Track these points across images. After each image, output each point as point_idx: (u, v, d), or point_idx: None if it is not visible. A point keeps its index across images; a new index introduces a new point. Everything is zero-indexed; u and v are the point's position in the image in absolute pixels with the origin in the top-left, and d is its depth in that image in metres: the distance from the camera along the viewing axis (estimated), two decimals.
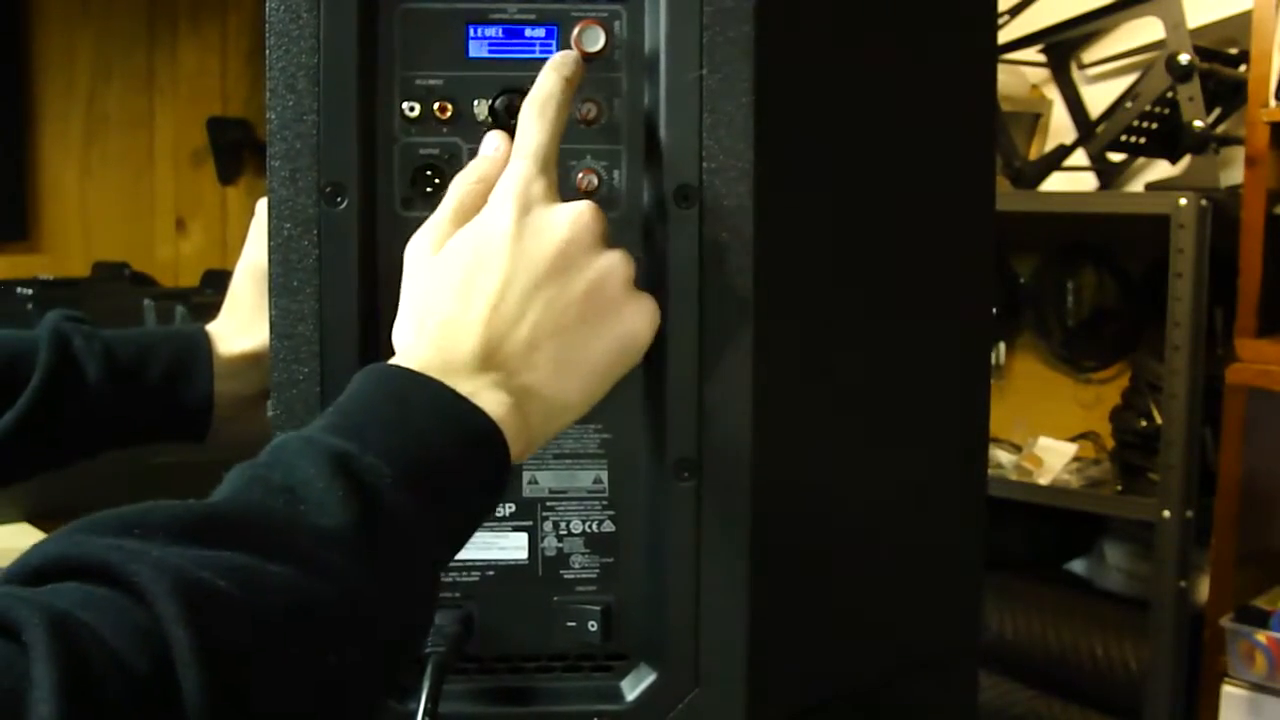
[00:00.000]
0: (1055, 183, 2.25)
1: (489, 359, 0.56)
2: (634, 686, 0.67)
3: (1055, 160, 2.23)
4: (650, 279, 0.65)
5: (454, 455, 0.54)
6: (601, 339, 0.59)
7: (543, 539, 0.66)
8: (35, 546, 0.44)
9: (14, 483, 0.75)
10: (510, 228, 0.57)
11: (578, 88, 0.62)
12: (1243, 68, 2.03)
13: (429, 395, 0.54)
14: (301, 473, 0.49)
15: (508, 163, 0.60)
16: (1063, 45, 2.29)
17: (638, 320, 0.60)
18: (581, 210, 0.59)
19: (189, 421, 0.77)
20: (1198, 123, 1.97)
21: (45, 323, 0.76)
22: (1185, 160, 2.08)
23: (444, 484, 0.53)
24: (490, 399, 0.55)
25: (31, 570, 0.42)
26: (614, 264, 0.59)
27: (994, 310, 2.11)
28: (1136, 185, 2.29)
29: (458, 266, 0.58)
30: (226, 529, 0.45)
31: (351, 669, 0.47)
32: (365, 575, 0.48)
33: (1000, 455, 2.25)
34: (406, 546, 0.50)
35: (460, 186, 0.61)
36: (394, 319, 0.60)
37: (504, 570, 0.66)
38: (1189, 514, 1.94)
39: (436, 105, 0.65)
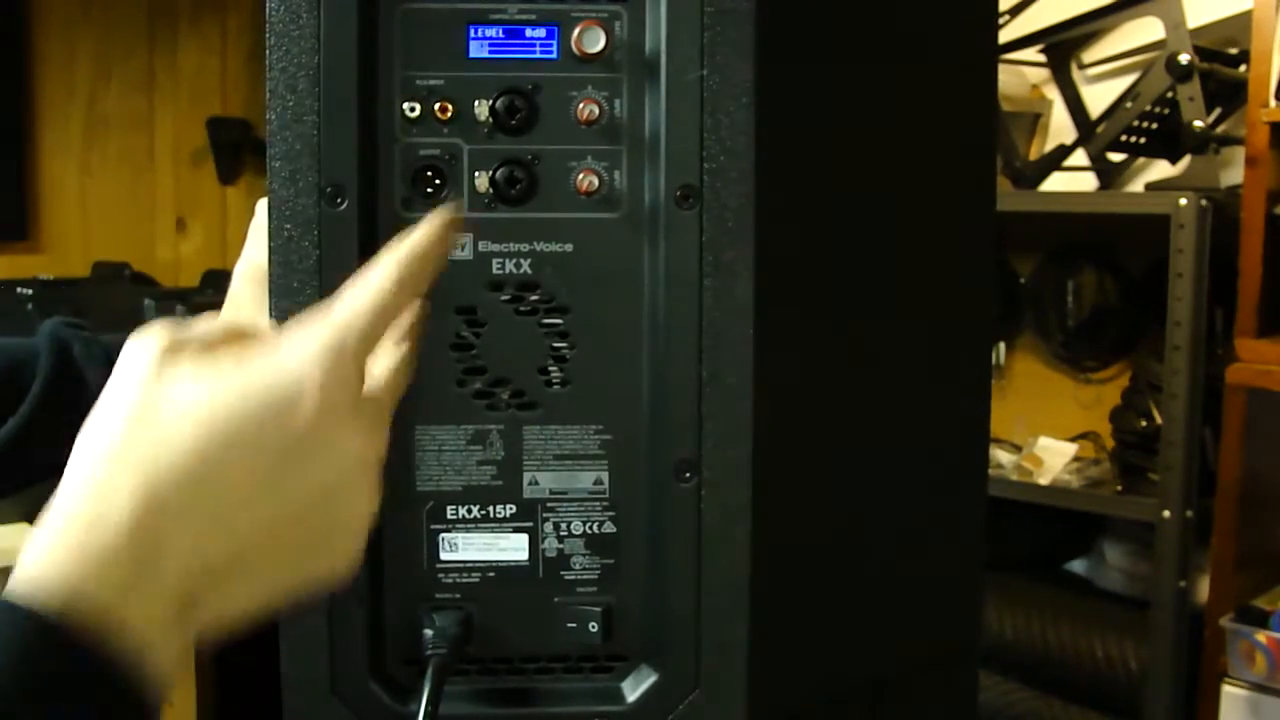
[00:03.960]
0: (1055, 183, 2.25)
1: (191, 608, 0.46)
2: (635, 687, 0.67)
3: (1055, 160, 2.24)
4: (651, 279, 0.65)
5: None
6: (304, 580, 0.51)
7: (543, 540, 0.66)
8: None
9: (17, 491, 0.75)
10: (293, 448, 0.47)
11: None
12: (1243, 68, 2.03)
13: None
14: None
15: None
16: (1063, 45, 2.29)
17: (344, 568, 0.52)
18: (374, 449, 0.52)
19: None
20: (1198, 123, 1.97)
21: (44, 329, 0.75)
22: (1185, 160, 2.08)
23: None
24: (167, 659, 0.45)
25: None
26: (366, 515, 0.51)
27: (994, 310, 2.11)
28: (1136, 185, 2.29)
29: (239, 466, 0.46)
30: None
31: None
32: None
33: (1000, 455, 2.25)
34: None
35: (218, 329, 0.50)
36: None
37: (504, 571, 0.66)
38: (1189, 514, 1.94)
39: (437, 105, 0.64)
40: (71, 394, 0.74)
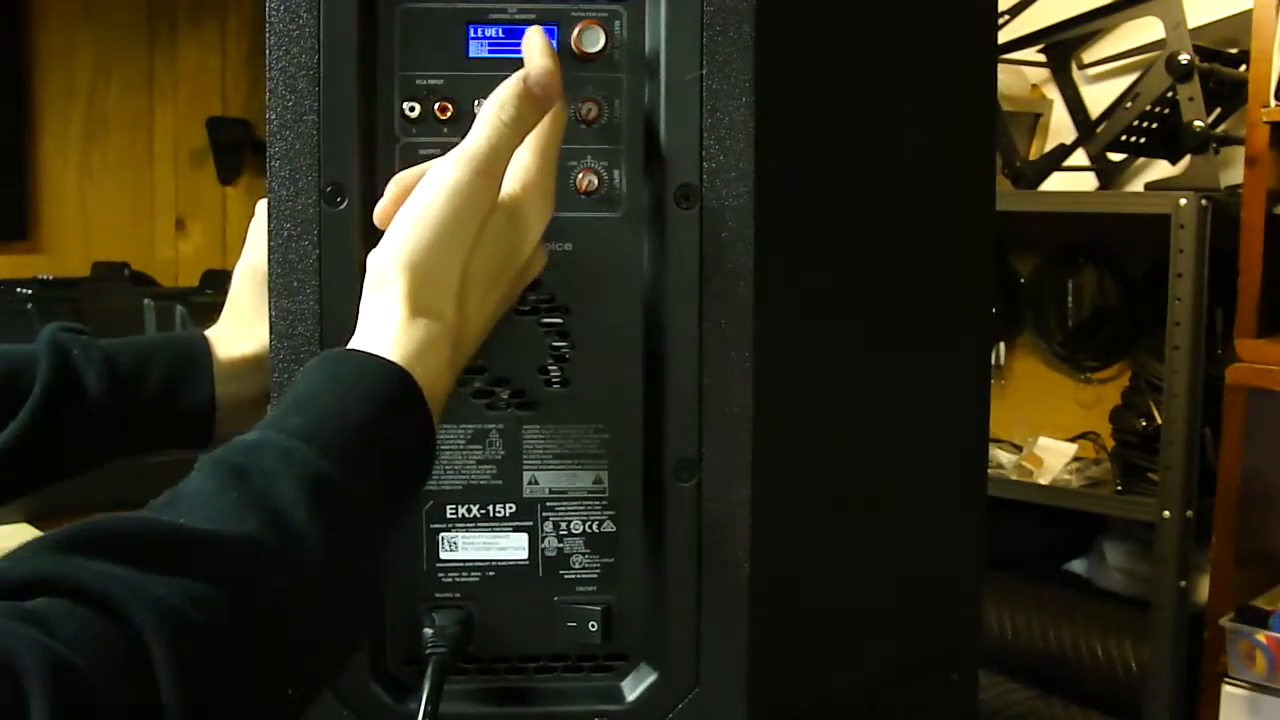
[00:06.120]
0: (1055, 183, 2.25)
1: (459, 360, 0.60)
2: (635, 687, 0.67)
3: (1055, 160, 2.23)
4: (651, 279, 0.65)
5: (423, 464, 0.58)
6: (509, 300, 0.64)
7: (543, 539, 0.66)
8: (17, 557, 0.44)
9: (19, 497, 0.75)
10: (533, 239, 0.62)
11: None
12: (1243, 68, 2.03)
13: (413, 417, 0.56)
14: (283, 494, 0.49)
15: (549, 109, 0.61)
16: (1063, 45, 2.29)
17: (539, 263, 0.65)
18: (544, 172, 0.62)
19: (191, 428, 0.77)
20: (1198, 123, 1.97)
21: (44, 335, 0.75)
22: (1185, 160, 2.08)
23: (409, 487, 0.57)
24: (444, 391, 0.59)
25: (19, 584, 0.43)
26: (544, 217, 0.63)
27: (994, 310, 2.11)
28: (1136, 185, 2.29)
29: (501, 269, 0.61)
30: (217, 559, 0.46)
31: (307, 687, 0.50)
32: (336, 609, 0.51)
33: (1000, 455, 2.25)
34: (375, 567, 0.54)
35: (507, 131, 0.60)
36: None
37: (504, 570, 0.66)
38: (1189, 514, 1.94)
39: (436, 105, 0.65)
40: (70, 398, 0.74)
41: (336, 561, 0.50)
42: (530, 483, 0.66)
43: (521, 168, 0.61)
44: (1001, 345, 2.44)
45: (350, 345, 0.57)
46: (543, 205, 0.62)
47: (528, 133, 0.61)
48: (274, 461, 0.50)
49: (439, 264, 0.57)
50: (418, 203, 0.58)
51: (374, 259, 0.58)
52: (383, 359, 0.55)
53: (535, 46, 0.63)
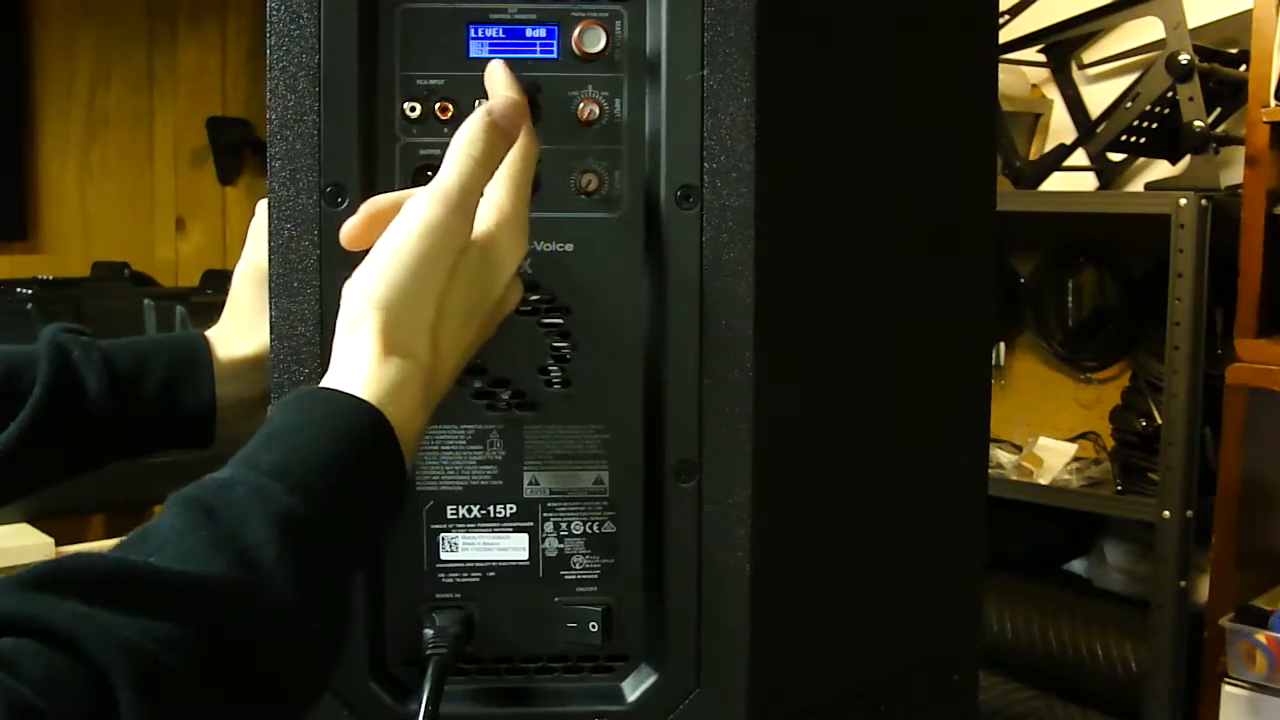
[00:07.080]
0: (1055, 183, 2.25)
1: (433, 398, 0.60)
2: (635, 687, 0.67)
3: (1055, 160, 2.23)
4: (651, 279, 0.65)
5: (395, 502, 0.58)
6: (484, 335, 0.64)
7: (543, 540, 0.66)
8: None
9: (20, 497, 0.75)
10: (508, 274, 0.61)
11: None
12: (1243, 68, 2.03)
13: (385, 456, 0.56)
14: (253, 532, 0.49)
15: (516, 149, 0.61)
16: (1063, 45, 2.29)
17: (515, 299, 0.64)
18: (515, 208, 0.61)
19: (192, 428, 0.77)
20: (1198, 123, 1.97)
21: (44, 336, 0.75)
22: (1185, 160, 2.08)
23: (380, 525, 0.57)
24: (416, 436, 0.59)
25: None
26: (518, 255, 0.62)
27: (994, 310, 2.11)
28: (1136, 185, 2.29)
29: (476, 306, 0.60)
30: (185, 600, 0.47)
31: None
32: (305, 648, 0.51)
33: (1000, 455, 2.25)
34: (344, 604, 0.54)
35: (473, 168, 0.60)
36: None
37: (505, 571, 0.66)
38: (1189, 514, 1.94)
39: (437, 105, 0.65)
40: (70, 399, 0.74)
41: (305, 601, 0.50)
42: (530, 483, 0.66)
43: (494, 204, 0.61)
44: (1001, 345, 2.44)
45: (324, 383, 0.57)
46: (517, 240, 0.61)
47: (497, 166, 0.61)
48: (244, 500, 0.50)
49: (412, 302, 0.57)
50: (392, 240, 0.58)
51: (347, 295, 0.58)
52: (355, 397, 0.55)
53: (498, 79, 0.63)
